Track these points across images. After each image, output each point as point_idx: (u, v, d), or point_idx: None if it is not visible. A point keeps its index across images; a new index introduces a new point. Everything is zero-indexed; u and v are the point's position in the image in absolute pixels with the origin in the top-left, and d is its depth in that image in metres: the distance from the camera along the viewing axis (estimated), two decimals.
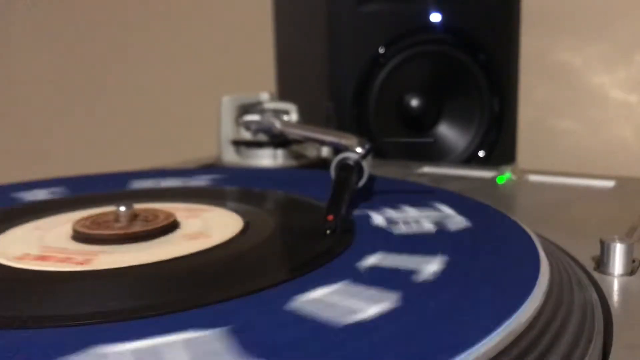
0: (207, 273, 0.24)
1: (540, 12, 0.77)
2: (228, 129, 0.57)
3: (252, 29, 0.92)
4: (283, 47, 0.82)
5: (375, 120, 0.70)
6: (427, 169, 0.53)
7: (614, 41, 0.78)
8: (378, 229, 0.28)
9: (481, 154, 0.70)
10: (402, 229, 0.28)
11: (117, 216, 0.29)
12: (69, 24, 1.04)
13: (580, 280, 0.24)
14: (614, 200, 0.41)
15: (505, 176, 0.48)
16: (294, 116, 0.56)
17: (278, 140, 0.55)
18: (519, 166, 0.64)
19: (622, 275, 0.25)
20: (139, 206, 0.30)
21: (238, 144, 0.57)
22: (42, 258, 0.25)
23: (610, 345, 0.20)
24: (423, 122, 0.72)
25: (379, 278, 0.21)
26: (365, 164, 0.34)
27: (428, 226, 0.28)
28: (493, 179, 0.48)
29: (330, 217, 0.27)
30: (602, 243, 0.26)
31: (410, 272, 0.22)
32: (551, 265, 0.23)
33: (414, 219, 0.29)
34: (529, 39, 0.72)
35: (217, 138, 0.57)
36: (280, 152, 0.55)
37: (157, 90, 1.02)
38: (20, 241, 0.28)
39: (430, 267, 0.22)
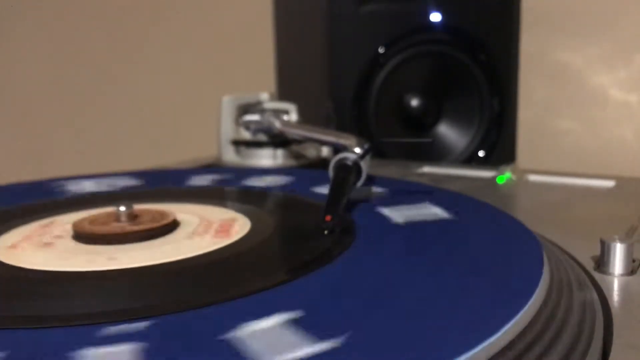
0: (202, 274, 0.24)
1: (540, 12, 0.76)
2: (228, 129, 0.57)
3: (252, 29, 0.92)
4: (283, 47, 0.82)
5: (375, 120, 0.70)
6: (427, 169, 0.53)
7: (614, 41, 0.78)
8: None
9: (481, 154, 0.70)
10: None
11: (117, 216, 0.29)
12: (69, 23, 1.04)
13: (580, 280, 0.24)
14: (614, 200, 0.41)
15: (505, 176, 0.48)
16: (294, 116, 0.56)
17: (278, 140, 0.55)
18: (519, 166, 0.64)
19: (622, 275, 0.25)
20: (138, 206, 0.30)
21: (238, 144, 0.57)
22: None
23: (610, 345, 0.20)
24: (423, 122, 0.72)
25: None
26: (364, 164, 0.34)
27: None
28: (493, 179, 0.48)
29: (328, 218, 0.27)
30: (602, 243, 0.26)
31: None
32: (551, 265, 0.23)
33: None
34: (529, 39, 0.72)
35: (217, 138, 0.57)
36: (280, 152, 0.55)
37: (157, 90, 1.02)
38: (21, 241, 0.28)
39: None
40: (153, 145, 1.00)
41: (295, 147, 0.56)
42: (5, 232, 0.29)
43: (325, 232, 0.26)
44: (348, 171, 0.32)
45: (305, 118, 0.57)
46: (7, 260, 0.25)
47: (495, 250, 0.25)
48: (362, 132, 0.68)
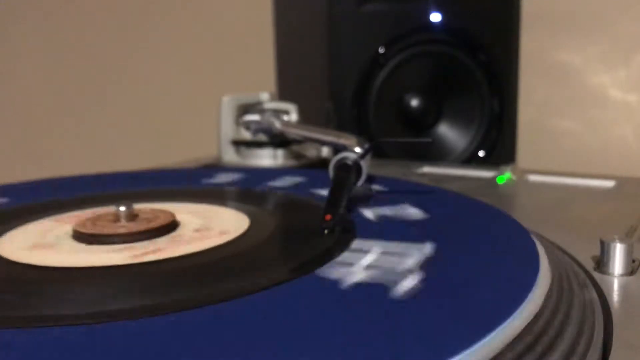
0: (201, 274, 0.24)
1: (540, 12, 0.77)
2: (228, 129, 0.57)
3: (252, 29, 0.92)
4: (283, 47, 0.82)
5: (375, 120, 0.70)
6: (427, 169, 0.53)
7: (614, 41, 0.78)
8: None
9: (481, 154, 0.70)
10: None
11: (117, 216, 0.29)
12: (69, 23, 1.04)
13: (580, 280, 0.24)
14: (614, 200, 0.41)
15: (505, 176, 0.48)
16: (294, 116, 0.56)
17: (278, 140, 0.55)
18: (519, 166, 0.64)
19: (622, 275, 0.25)
20: (138, 206, 0.30)
21: (238, 144, 0.57)
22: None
23: (610, 345, 0.20)
24: (423, 122, 0.72)
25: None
26: (364, 164, 0.34)
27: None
28: (493, 179, 0.48)
29: (328, 217, 0.27)
30: (602, 243, 0.26)
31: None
32: (551, 265, 0.23)
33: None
34: (529, 39, 0.72)
35: (217, 138, 0.57)
36: (280, 152, 0.55)
37: (157, 90, 1.02)
38: (21, 241, 0.28)
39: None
40: (153, 145, 1.00)
41: (295, 147, 0.56)
42: (5, 233, 0.29)
43: (325, 231, 0.26)
44: (348, 171, 0.32)
45: (305, 118, 0.57)
46: (10, 258, 0.25)
47: (495, 250, 0.25)
48: (362, 132, 0.68)
